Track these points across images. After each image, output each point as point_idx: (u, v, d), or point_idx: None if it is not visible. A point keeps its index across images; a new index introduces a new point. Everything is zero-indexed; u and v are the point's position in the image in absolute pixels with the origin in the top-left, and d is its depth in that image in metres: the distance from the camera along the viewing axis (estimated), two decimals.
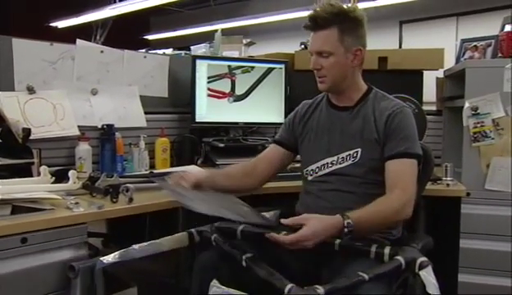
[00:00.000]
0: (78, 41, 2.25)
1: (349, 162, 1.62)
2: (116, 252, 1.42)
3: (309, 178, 1.70)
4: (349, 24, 1.60)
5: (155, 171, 2.18)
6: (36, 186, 1.64)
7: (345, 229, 1.38)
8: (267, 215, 1.77)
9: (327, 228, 1.37)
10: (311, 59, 1.65)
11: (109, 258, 1.40)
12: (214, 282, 1.30)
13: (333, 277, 1.35)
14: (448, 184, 2.07)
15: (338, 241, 1.42)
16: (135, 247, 1.43)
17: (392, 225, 1.59)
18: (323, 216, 1.40)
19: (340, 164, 1.63)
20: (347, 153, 1.63)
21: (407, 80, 2.52)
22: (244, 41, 3.16)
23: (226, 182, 1.74)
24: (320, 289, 1.15)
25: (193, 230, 1.54)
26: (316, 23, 1.60)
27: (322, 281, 1.42)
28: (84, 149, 2.08)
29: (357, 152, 1.61)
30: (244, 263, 1.34)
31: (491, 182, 2.07)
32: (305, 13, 1.65)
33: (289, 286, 1.17)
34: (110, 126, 2.18)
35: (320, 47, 1.61)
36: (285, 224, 1.37)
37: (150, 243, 1.46)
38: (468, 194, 2.07)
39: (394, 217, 1.51)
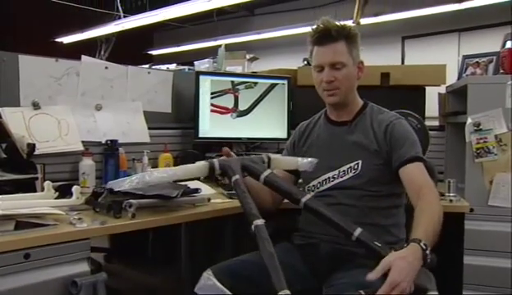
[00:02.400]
0: (83, 57, 2.28)
1: (351, 175, 1.64)
2: (134, 177, 1.42)
3: (311, 194, 1.70)
4: (351, 38, 1.65)
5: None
6: (40, 201, 1.64)
7: (426, 250, 1.29)
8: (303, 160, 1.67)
9: (409, 258, 1.26)
10: (320, 74, 1.65)
11: (125, 184, 1.41)
12: (208, 272, 1.27)
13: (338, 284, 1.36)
14: (451, 200, 2.07)
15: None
16: (153, 171, 1.43)
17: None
18: (400, 251, 1.30)
19: (341, 177, 1.65)
20: (348, 166, 1.64)
21: (409, 96, 2.52)
22: (248, 56, 3.19)
23: (254, 190, 1.61)
24: None
25: (215, 161, 1.52)
26: (330, 35, 1.62)
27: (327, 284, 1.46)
28: (87, 164, 2.09)
29: (358, 163, 1.63)
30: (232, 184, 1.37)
31: (495, 198, 2.06)
32: (307, 29, 1.67)
33: (282, 293, 1.13)
34: (114, 141, 2.19)
35: (333, 58, 1.63)
36: (374, 278, 1.23)
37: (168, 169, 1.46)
38: (471, 210, 2.06)
39: (441, 215, 1.46)
